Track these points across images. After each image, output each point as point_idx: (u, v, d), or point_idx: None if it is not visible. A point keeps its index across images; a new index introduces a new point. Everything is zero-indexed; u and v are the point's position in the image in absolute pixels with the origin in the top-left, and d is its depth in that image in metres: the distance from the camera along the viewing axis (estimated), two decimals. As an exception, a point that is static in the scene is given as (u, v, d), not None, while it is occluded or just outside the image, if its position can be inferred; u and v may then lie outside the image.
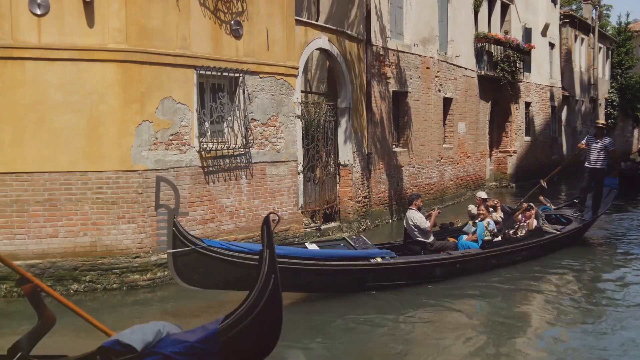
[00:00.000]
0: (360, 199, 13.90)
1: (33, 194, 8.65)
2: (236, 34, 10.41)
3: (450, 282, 9.33)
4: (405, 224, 10.06)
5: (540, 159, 26.50)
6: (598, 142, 12.06)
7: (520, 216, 11.06)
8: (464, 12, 20.23)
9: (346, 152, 13.45)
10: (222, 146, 10.27)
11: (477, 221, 10.69)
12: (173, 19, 9.43)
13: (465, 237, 10.57)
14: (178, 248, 7.08)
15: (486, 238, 10.20)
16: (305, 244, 8.84)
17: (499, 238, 10.35)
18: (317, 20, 13.77)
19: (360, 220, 13.76)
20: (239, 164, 10.55)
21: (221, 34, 10.19)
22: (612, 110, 37.29)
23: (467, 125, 20.43)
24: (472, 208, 11.13)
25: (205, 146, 9.93)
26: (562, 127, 30.12)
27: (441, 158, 18.45)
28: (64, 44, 8.70)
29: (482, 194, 11.62)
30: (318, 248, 8.54)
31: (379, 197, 14.95)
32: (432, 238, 9.97)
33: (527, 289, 9.50)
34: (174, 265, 7.14)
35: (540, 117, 26.86)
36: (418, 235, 9.82)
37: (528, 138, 25.59)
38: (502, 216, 11.15)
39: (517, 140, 24.29)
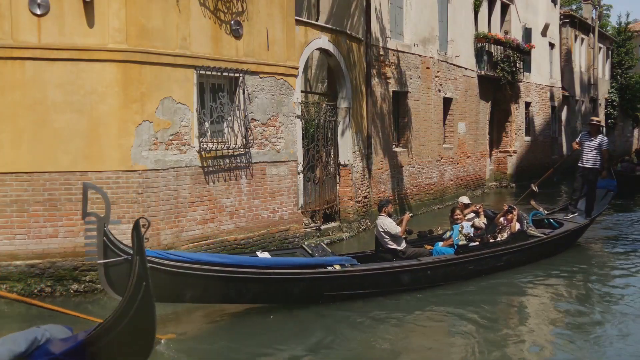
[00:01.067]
0: (360, 199, 13.90)
1: (33, 194, 8.65)
2: (236, 34, 10.41)
3: (421, 291, 8.81)
4: (375, 232, 9.51)
5: (540, 159, 26.50)
6: (592, 140, 11.39)
7: (502, 219, 10.47)
8: (464, 12, 20.23)
9: (346, 152, 13.45)
10: (222, 146, 10.27)
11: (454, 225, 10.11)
12: (173, 19, 9.43)
13: (442, 243, 9.99)
14: (110, 258, 6.66)
15: (461, 242, 9.53)
16: (257, 252, 8.30)
17: (476, 242, 9.70)
18: (317, 20, 13.76)
19: (360, 220, 13.76)
20: (239, 164, 10.55)
21: (221, 34, 10.19)
22: (612, 110, 37.29)
23: (467, 125, 20.44)
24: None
25: (205, 146, 9.93)
26: (562, 127, 30.12)
27: (441, 158, 18.45)
28: (64, 44, 8.69)
29: (464, 199, 10.96)
30: (270, 256, 8.06)
31: (379, 197, 14.94)
32: (404, 245, 9.37)
33: (505, 298, 8.98)
34: (105, 276, 6.72)
35: (540, 117, 26.87)
36: (389, 242, 9.25)
37: (528, 138, 25.60)
38: (486, 222, 10.44)
39: (517, 140, 24.29)
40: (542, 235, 10.68)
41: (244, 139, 10.58)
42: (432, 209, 17.46)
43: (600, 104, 35.96)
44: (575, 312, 8.30)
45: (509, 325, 7.89)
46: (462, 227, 9.74)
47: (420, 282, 8.91)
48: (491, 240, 9.97)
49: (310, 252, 8.61)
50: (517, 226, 10.23)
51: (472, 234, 9.68)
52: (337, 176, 13.40)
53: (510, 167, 23.94)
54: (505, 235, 10.21)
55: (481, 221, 10.27)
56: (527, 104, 25.42)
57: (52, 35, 8.66)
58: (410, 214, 9.97)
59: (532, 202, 12.19)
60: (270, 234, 11.08)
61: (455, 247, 9.47)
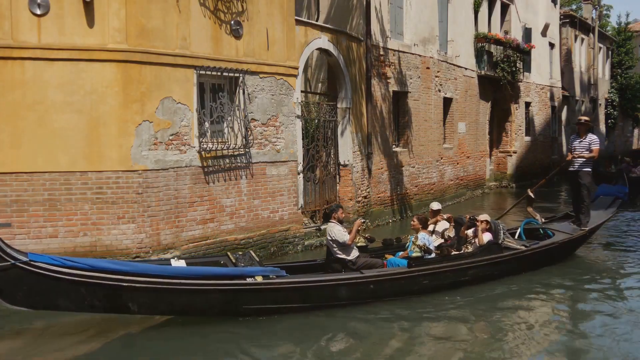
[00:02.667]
0: (360, 199, 13.91)
1: (33, 194, 8.65)
2: (236, 34, 10.41)
3: (362, 307, 7.95)
4: (325, 240, 8.84)
5: (541, 159, 26.51)
6: (582, 141, 10.60)
7: (469, 232, 9.58)
8: (464, 12, 20.23)
9: (346, 152, 13.45)
10: (222, 146, 10.27)
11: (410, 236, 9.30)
12: (173, 19, 9.43)
13: (401, 253, 9.16)
14: None
15: (414, 254, 8.66)
16: (171, 260, 7.66)
17: (432, 255, 8.83)
18: (317, 20, 13.77)
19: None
20: (239, 164, 10.55)
21: (221, 34, 10.20)
22: (612, 110, 37.31)
23: (467, 125, 20.43)
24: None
25: (205, 146, 9.93)
26: (562, 127, 30.13)
27: (441, 158, 18.45)
28: (63, 44, 8.70)
29: (434, 205, 10.26)
30: (185, 265, 7.47)
31: (379, 197, 14.95)
32: (354, 254, 8.57)
33: (459, 319, 7.84)
34: None
35: (540, 117, 26.87)
36: (338, 251, 8.50)
37: (528, 138, 25.60)
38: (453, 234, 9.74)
39: (517, 140, 24.29)
40: (521, 247, 9.69)
41: (244, 139, 10.58)
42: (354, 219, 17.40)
43: (600, 104, 35.97)
44: (523, 341, 7.05)
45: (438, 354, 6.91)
46: (417, 238, 8.89)
47: (362, 296, 8.08)
48: (454, 253, 9.09)
49: (234, 261, 7.91)
50: (486, 237, 9.31)
51: (429, 245, 8.82)
52: (337, 176, 13.41)
53: (510, 167, 23.94)
54: (470, 248, 9.38)
55: (448, 233, 9.66)
56: (527, 104, 25.42)
57: (52, 35, 8.66)
58: (363, 220, 9.07)
59: (530, 209, 11.38)
60: (270, 234, 11.08)
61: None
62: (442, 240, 9.62)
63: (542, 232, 10.80)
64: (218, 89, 10.31)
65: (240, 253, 8.39)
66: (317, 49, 12.67)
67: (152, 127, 9.17)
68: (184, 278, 7.06)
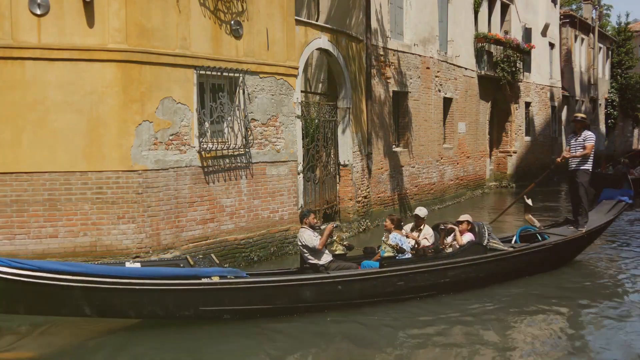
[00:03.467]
0: (360, 199, 13.91)
1: (33, 194, 8.64)
2: (236, 34, 10.41)
3: (330, 311, 7.60)
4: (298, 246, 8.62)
5: (541, 159, 26.50)
6: (577, 139, 10.18)
7: (449, 239, 9.09)
8: (464, 12, 20.24)
9: (346, 152, 13.45)
10: (222, 146, 10.27)
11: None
12: (173, 19, 9.43)
13: (376, 256, 8.83)
14: None
15: (386, 254, 8.24)
16: (126, 262, 7.48)
17: (407, 255, 8.42)
18: (317, 20, 13.77)
19: (360, 221, 13.76)
20: (239, 164, 10.55)
21: (221, 34, 10.19)
22: (612, 110, 37.29)
23: (467, 125, 20.44)
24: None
25: (205, 146, 9.93)
26: (562, 127, 30.12)
27: (441, 158, 18.46)
28: (64, 44, 8.69)
29: (418, 211, 9.41)
30: (140, 266, 7.28)
31: (379, 197, 14.95)
32: (327, 259, 8.27)
33: (438, 324, 7.42)
34: None
35: (540, 117, 26.88)
36: (309, 256, 8.27)
37: (528, 138, 25.60)
38: (431, 240, 9.20)
39: (517, 140, 24.29)
40: (508, 249, 9.21)
41: (244, 139, 10.58)
42: (432, 209, 17.44)
43: (600, 104, 35.96)
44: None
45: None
46: (387, 237, 8.49)
47: (330, 299, 7.71)
48: (430, 251, 8.69)
49: (192, 263, 7.65)
50: (467, 238, 8.91)
51: (402, 245, 8.40)
52: (337, 176, 13.41)
53: (510, 167, 23.94)
54: (450, 249, 8.91)
55: (425, 239, 9.12)
56: (527, 104, 25.43)
57: (52, 35, 8.66)
58: (335, 224, 8.56)
59: (527, 217, 10.84)
60: (270, 234, 11.08)
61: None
62: (429, 245, 9.08)
63: (539, 237, 10.22)
64: (218, 89, 10.31)
65: (200, 256, 8.11)
66: (317, 49, 12.67)
67: (152, 127, 9.17)
68: (136, 279, 6.83)
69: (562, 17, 29.85)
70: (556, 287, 9.22)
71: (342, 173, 13.46)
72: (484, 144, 22.31)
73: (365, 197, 14.18)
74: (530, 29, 24.96)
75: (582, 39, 32.69)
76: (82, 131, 8.80)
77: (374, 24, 14.60)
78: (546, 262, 9.64)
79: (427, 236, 9.16)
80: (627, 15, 64.31)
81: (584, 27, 32.37)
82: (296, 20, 11.66)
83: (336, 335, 7.17)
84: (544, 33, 26.63)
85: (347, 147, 13.44)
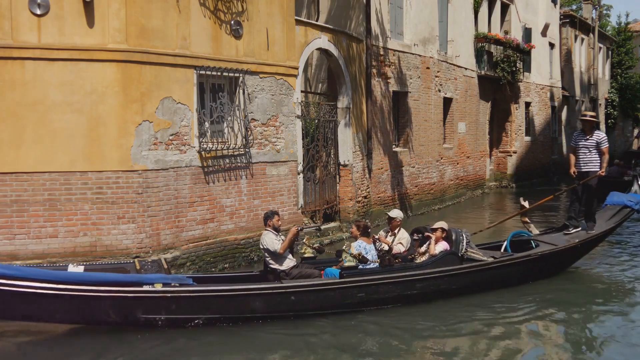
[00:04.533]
0: (360, 199, 13.90)
1: (33, 194, 8.64)
2: (236, 34, 10.41)
3: (281, 323, 7.21)
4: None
5: (540, 159, 26.51)
6: (588, 139, 9.61)
7: (423, 247, 8.64)
8: (464, 12, 20.24)
9: (346, 152, 13.45)
10: (222, 146, 10.27)
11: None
12: (173, 19, 9.43)
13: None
14: None
15: (348, 263, 7.77)
16: (69, 265, 7.20)
17: (371, 264, 7.89)
18: (317, 20, 13.76)
19: (360, 221, 13.74)
20: (239, 164, 10.55)
21: (221, 34, 10.19)
22: (612, 110, 37.30)
23: (467, 125, 20.44)
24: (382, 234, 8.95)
25: (205, 146, 9.93)
26: (562, 127, 30.13)
27: (441, 158, 18.46)
28: (64, 44, 8.69)
29: (392, 213, 8.94)
30: (82, 271, 7.02)
31: (379, 197, 14.95)
32: (288, 264, 7.95)
33: (399, 338, 6.92)
34: None
35: (540, 117, 26.88)
36: (270, 261, 7.99)
37: (528, 138, 25.60)
38: (406, 245, 8.70)
39: (517, 140, 24.29)
40: (487, 259, 8.59)
41: (244, 139, 10.58)
42: (432, 209, 17.46)
43: (600, 104, 35.97)
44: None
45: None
46: (350, 246, 7.98)
47: (283, 309, 7.33)
48: (397, 261, 8.17)
49: (138, 268, 7.37)
50: (441, 247, 8.40)
51: (366, 254, 7.91)
52: (337, 176, 13.40)
53: (510, 167, 23.94)
54: (422, 259, 8.43)
55: (401, 244, 8.66)
56: (527, 104, 25.43)
57: (52, 35, 8.66)
58: (298, 227, 8.24)
59: (524, 220, 10.32)
60: (270, 234, 11.07)
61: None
62: (403, 251, 8.57)
63: (533, 244, 9.58)
64: (218, 89, 10.31)
65: (149, 260, 7.90)
66: (317, 49, 12.67)
67: (152, 127, 9.17)
68: (76, 284, 6.62)
69: (562, 17, 29.85)
70: (540, 299, 8.52)
71: (342, 173, 13.46)
72: (484, 144, 22.32)
73: (365, 197, 14.18)
74: (530, 29, 24.96)
75: (582, 39, 32.69)
76: (82, 131, 8.80)
77: (374, 24, 14.60)
78: (533, 272, 9.04)
79: (401, 241, 8.66)
80: (627, 15, 64.40)
81: (584, 27, 32.37)
82: (296, 20, 11.66)
83: (276, 350, 6.76)
84: (544, 33, 26.63)
85: (347, 147, 13.44)
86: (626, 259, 11.19)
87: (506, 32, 22.98)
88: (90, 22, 8.78)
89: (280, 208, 11.33)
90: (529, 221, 10.40)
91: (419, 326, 7.38)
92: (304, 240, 8.53)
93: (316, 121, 12.86)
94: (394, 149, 15.82)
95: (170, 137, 9.42)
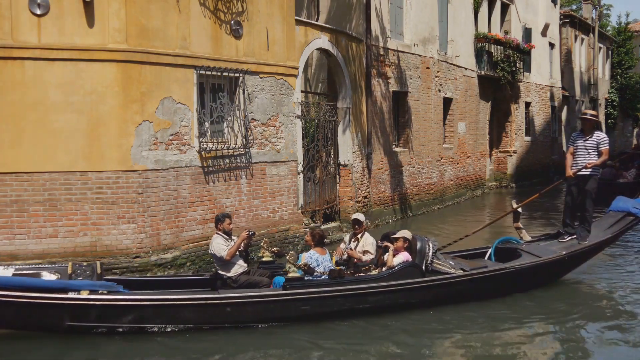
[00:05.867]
0: (360, 199, 13.91)
1: (33, 194, 8.64)
2: (236, 34, 10.41)
3: (219, 331, 6.93)
4: None
5: (540, 159, 26.51)
6: (588, 140, 8.89)
7: (385, 256, 7.96)
8: (464, 12, 20.24)
9: (346, 152, 13.45)
10: (222, 146, 10.27)
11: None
12: (173, 19, 9.43)
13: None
14: None
15: (291, 274, 7.32)
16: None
17: (320, 274, 7.51)
18: (317, 20, 13.77)
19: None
20: (239, 164, 10.55)
21: (221, 34, 10.19)
22: (612, 110, 37.31)
23: (467, 125, 20.44)
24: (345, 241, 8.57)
25: (205, 146, 9.93)
26: (562, 127, 30.13)
27: (441, 158, 18.45)
28: (63, 44, 8.69)
29: (356, 216, 8.60)
30: (11, 274, 6.86)
31: (379, 197, 14.95)
32: (236, 271, 7.67)
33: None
34: None
35: (540, 117, 26.88)
36: (218, 267, 7.75)
37: (528, 138, 25.60)
38: (373, 251, 8.28)
39: (517, 140, 24.29)
40: (455, 272, 7.95)
41: (244, 139, 10.58)
42: (432, 209, 17.47)
43: (600, 104, 35.97)
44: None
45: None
46: (293, 255, 7.52)
47: (218, 320, 7.04)
48: (348, 273, 7.78)
49: (70, 272, 7.19)
50: (401, 258, 7.82)
51: (317, 265, 7.55)
52: (337, 176, 13.41)
53: (510, 167, 23.94)
54: (376, 271, 7.86)
55: (365, 250, 8.24)
56: (527, 104, 25.42)
57: (52, 35, 8.66)
58: (249, 232, 7.88)
59: (516, 225, 9.69)
60: (270, 234, 11.07)
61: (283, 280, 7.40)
62: (367, 259, 8.16)
63: (519, 253, 8.94)
64: (218, 89, 10.31)
65: (84, 264, 7.73)
66: (317, 49, 12.67)
67: (152, 127, 9.17)
68: (1, 289, 6.48)
69: (562, 17, 29.85)
70: (514, 314, 7.89)
71: (342, 173, 13.46)
72: (484, 144, 22.31)
73: (365, 197, 14.18)
74: (530, 29, 24.96)
75: (582, 39, 32.69)
76: (82, 131, 8.80)
77: (374, 24, 14.60)
78: (510, 285, 8.37)
79: (367, 247, 8.25)
80: (627, 15, 64.38)
81: (584, 27, 32.37)
82: (296, 20, 11.66)
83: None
84: (544, 33, 26.63)
85: (347, 147, 13.45)
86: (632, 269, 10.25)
87: (506, 32, 22.97)
88: (90, 22, 8.78)
89: (280, 208, 11.34)
90: (521, 226, 9.79)
91: (359, 341, 6.96)
92: (263, 243, 8.08)
93: (316, 121, 12.86)
94: (394, 149, 15.82)
95: (170, 137, 9.43)
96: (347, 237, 8.71)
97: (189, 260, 9.62)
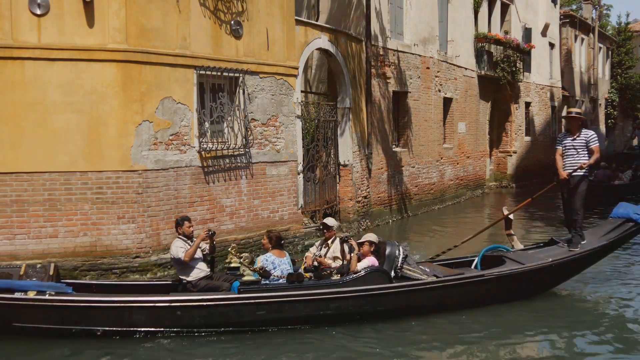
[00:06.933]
0: (360, 199, 13.91)
1: (33, 194, 8.64)
2: (236, 34, 10.41)
3: (170, 338, 6.70)
4: None
5: (541, 159, 26.50)
6: (575, 139, 8.49)
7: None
8: (464, 12, 20.24)
9: (346, 152, 13.45)
10: (222, 146, 10.27)
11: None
12: (173, 19, 9.43)
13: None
14: None
15: (246, 277, 7.12)
16: None
17: (277, 278, 7.20)
18: (317, 20, 13.77)
19: (360, 221, 13.76)
20: (239, 164, 10.55)
21: (221, 34, 10.19)
22: (612, 110, 37.30)
23: (467, 125, 20.44)
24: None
25: (205, 146, 9.93)
26: (562, 127, 30.10)
27: (441, 158, 18.46)
28: (64, 44, 8.69)
29: (327, 220, 8.26)
30: None
31: (379, 197, 14.95)
32: (197, 274, 7.40)
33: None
34: None
35: (540, 117, 26.89)
36: (178, 271, 7.52)
37: (528, 138, 25.61)
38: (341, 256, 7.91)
39: (517, 140, 24.30)
40: (427, 278, 7.54)
41: (244, 139, 10.58)
42: (432, 209, 17.47)
43: (600, 104, 35.97)
44: None
45: None
46: (243, 257, 7.31)
47: (169, 325, 6.79)
48: (307, 277, 7.36)
49: (21, 273, 7.06)
50: (366, 263, 7.44)
51: (273, 269, 7.25)
52: (337, 176, 13.41)
53: (510, 167, 23.95)
54: (339, 276, 7.45)
55: (333, 252, 7.87)
56: (527, 104, 25.43)
57: (52, 35, 8.66)
58: (210, 231, 7.64)
59: (508, 233, 9.23)
60: (270, 234, 11.07)
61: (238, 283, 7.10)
62: (336, 265, 7.79)
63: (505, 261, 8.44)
64: (218, 89, 10.31)
65: (39, 265, 7.62)
66: (317, 49, 12.67)
67: (152, 127, 9.17)
68: None
69: (562, 17, 29.85)
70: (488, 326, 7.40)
71: (342, 173, 13.47)
72: (484, 144, 22.32)
73: (365, 197, 14.18)
74: (530, 29, 24.96)
75: (582, 39, 32.69)
76: (82, 131, 8.80)
77: (374, 24, 14.60)
78: (490, 295, 7.85)
79: (336, 252, 7.90)
80: (627, 15, 64.13)
81: (584, 27, 32.38)
82: (296, 20, 11.66)
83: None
84: (544, 33, 26.64)
85: (347, 147, 13.45)
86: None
87: (506, 32, 22.97)
88: (90, 22, 8.78)
89: (280, 208, 11.34)
90: (513, 234, 9.26)
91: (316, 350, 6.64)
92: (230, 249, 7.78)
93: (316, 121, 12.87)
94: (393, 149, 15.82)
95: (170, 137, 9.43)
96: (317, 243, 8.34)
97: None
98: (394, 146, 15.90)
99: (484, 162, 22.25)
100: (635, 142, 39.88)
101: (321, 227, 8.29)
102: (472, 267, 8.52)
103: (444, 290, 7.58)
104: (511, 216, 9.16)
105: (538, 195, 9.63)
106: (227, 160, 10.34)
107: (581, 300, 8.63)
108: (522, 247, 9.16)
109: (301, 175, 11.87)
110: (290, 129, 11.53)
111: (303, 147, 12.02)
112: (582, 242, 8.43)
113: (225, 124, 10.47)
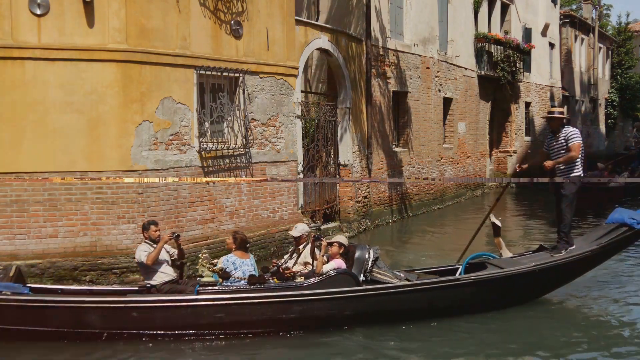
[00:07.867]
0: (360, 199, 13.91)
1: (33, 194, 8.64)
2: (236, 34, 10.41)
3: (112, 344, 6.47)
4: None
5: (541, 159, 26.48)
6: (558, 140, 8.04)
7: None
8: (464, 12, 20.24)
9: (346, 152, 13.45)
10: (222, 146, 10.27)
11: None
12: (173, 19, 9.43)
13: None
14: None
15: (205, 278, 7.00)
16: None
17: (238, 280, 7.04)
18: (317, 20, 13.77)
19: (360, 221, 13.76)
20: (239, 164, 10.55)
21: (221, 34, 10.20)
22: (612, 110, 37.30)
23: (467, 125, 20.44)
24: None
25: (205, 146, 9.93)
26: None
27: (441, 158, 18.46)
28: (64, 44, 8.69)
29: (293, 232, 8.03)
30: None
31: (379, 197, 14.95)
32: (162, 278, 7.17)
33: None
34: None
35: (540, 117, 26.90)
36: (143, 275, 7.36)
37: (528, 138, 25.62)
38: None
39: (517, 140, 24.30)
40: (398, 282, 7.23)
41: (244, 139, 10.59)
42: (432, 209, 17.46)
43: (600, 104, 35.97)
44: None
45: None
46: (205, 258, 7.16)
47: (125, 327, 6.57)
48: (276, 281, 7.20)
49: None
50: (333, 265, 7.20)
51: (233, 270, 7.11)
52: (337, 176, 13.40)
53: (510, 167, 23.93)
54: (308, 279, 7.14)
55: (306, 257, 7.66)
56: (527, 104, 25.44)
57: (52, 35, 8.66)
58: (174, 234, 7.31)
59: (497, 240, 8.76)
60: (270, 234, 11.08)
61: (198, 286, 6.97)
62: (307, 270, 7.57)
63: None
64: (218, 89, 10.31)
65: (1, 267, 7.59)
66: (317, 49, 12.68)
67: (152, 127, 9.18)
68: None
69: (562, 17, 29.86)
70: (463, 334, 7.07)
71: (342, 173, 13.46)
72: (484, 144, 22.32)
73: (365, 197, 14.18)
74: (530, 29, 24.97)
75: (582, 39, 32.70)
76: (82, 131, 8.80)
77: (374, 24, 14.60)
78: (467, 302, 7.47)
79: (307, 257, 7.65)
80: (627, 15, 64.23)
81: (584, 27, 32.38)
82: (296, 20, 11.66)
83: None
84: (544, 33, 26.64)
85: (347, 147, 13.45)
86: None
87: (506, 32, 22.98)
88: (90, 22, 8.78)
89: (280, 208, 11.35)
90: (502, 241, 8.79)
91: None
92: (202, 260, 7.36)
93: (316, 121, 12.87)
94: (393, 149, 15.82)
95: (170, 137, 9.43)
96: (286, 256, 8.05)
97: (189, 261, 9.60)
98: (394, 146, 15.90)
99: (484, 162, 22.25)
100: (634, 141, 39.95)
101: (293, 239, 8.04)
102: (457, 274, 8.03)
103: (414, 294, 7.17)
104: (499, 224, 8.74)
105: (502, 194, 9.91)
106: (227, 160, 10.34)
107: (575, 307, 8.23)
108: (510, 254, 8.65)
109: (301, 175, 11.87)
110: (290, 129, 11.53)
111: (303, 147, 12.02)
112: (570, 248, 7.99)
113: (225, 124, 10.47)
